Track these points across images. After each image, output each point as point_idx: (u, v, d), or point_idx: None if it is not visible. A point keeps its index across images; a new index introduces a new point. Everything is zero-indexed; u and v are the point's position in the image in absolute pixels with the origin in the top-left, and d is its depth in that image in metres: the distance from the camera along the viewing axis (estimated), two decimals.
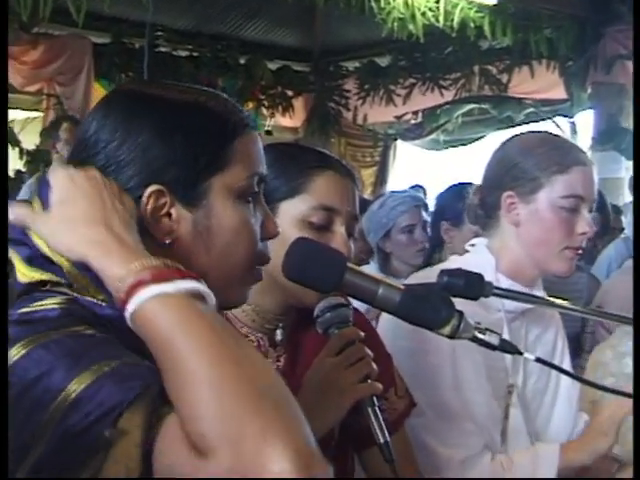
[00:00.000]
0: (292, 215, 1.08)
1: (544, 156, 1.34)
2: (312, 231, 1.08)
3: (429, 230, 2.73)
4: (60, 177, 0.70)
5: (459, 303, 0.85)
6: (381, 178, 7.72)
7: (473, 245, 1.42)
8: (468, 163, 7.29)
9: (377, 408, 0.99)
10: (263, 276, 0.82)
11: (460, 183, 2.39)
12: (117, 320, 0.65)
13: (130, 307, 0.61)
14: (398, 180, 7.48)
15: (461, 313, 0.83)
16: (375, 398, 1.00)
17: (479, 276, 0.87)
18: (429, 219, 2.75)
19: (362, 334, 1.06)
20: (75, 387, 0.59)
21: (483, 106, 6.74)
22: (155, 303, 0.61)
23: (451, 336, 0.83)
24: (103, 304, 0.69)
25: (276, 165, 1.07)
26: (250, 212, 0.79)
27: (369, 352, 1.04)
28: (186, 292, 0.62)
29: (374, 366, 1.03)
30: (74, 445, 0.57)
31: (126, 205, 0.70)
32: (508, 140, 1.41)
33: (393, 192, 2.88)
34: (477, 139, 7.24)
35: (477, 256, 1.39)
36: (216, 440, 0.54)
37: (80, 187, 0.69)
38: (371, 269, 2.73)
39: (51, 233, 0.67)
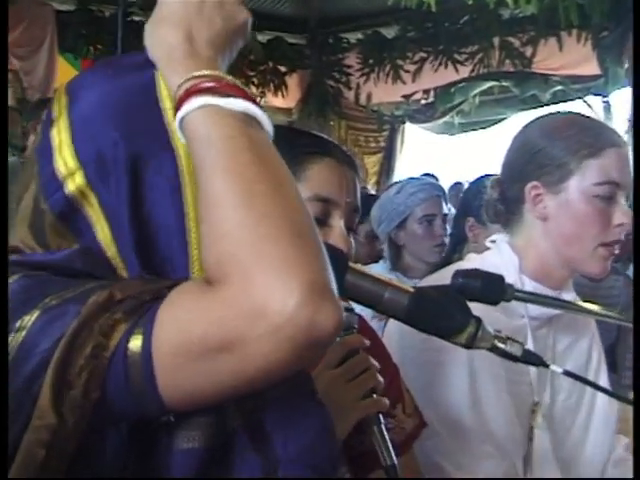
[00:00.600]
0: None
1: (573, 139, 1.34)
2: None
3: (448, 225, 2.75)
4: None
5: (477, 308, 0.86)
6: (387, 166, 7.72)
7: (493, 242, 1.43)
8: (487, 149, 7.32)
9: (383, 427, 1.00)
10: None
11: (488, 175, 2.41)
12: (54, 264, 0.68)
13: (179, 114, 0.67)
14: (407, 168, 7.48)
15: (479, 320, 0.84)
16: (381, 416, 1.01)
17: (499, 277, 0.88)
18: (448, 212, 2.78)
19: (367, 342, 1.06)
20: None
21: (504, 84, 6.73)
22: (201, 114, 0.66)
23: (467, 346, 0.83)
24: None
25: None
26: None
27: (375, 363, 1.05)
28: (239, 110, 0.67)
29: (380, 379, 1.04)
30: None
31: (232, 21, 0.75)
32: (530, 123, 1.42)
33: (412, 178, 2.93)
34: (497, 121, 7.23)
35: (498, 255, 1.40)
36: (230, 265, 0.59)
37: None
38: (379, 269, 2.75)
39: (146, 34, 0.75)
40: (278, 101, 7.49)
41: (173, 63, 0.71)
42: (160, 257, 0.69)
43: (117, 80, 0.74)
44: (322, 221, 1.10)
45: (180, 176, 0.70)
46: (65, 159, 0.71)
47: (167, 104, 0.73)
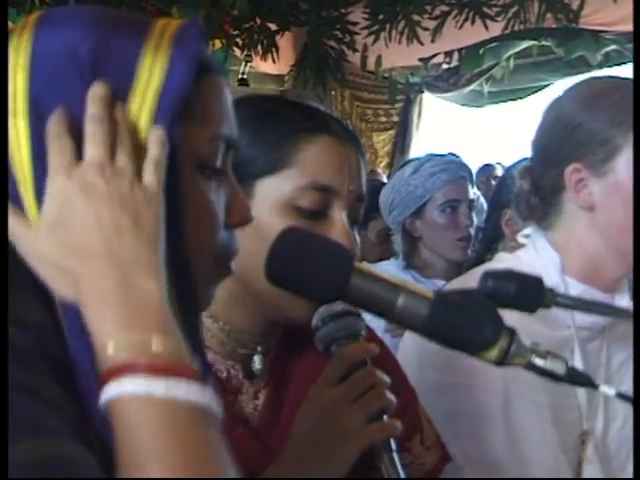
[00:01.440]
0: (273, 198, 1.10)
1: (616, 107, 1.34)
2: (301, 219, 1.09)
3: (474, 214, 2.74)
4: (57, 181, 0.71)
5: (510, 317, 0.86)
6: (400, 145, 7.74)
7: (527, 237, 1.43)
8: (524, 125, 7.31)
9: (396, 456, 1.00)
10: (233, 285, 0.83)
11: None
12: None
13: (104, 395, 0.66)
14: (425, 148, 7.49)
15: (512, 331, 0.84)
16: (394, 442, 1.01)
17: (537, 280, 0.88)
18: (476, 199, 2.78)
19: (375, 349, 1.07)
20: None
21: (545, 43, 6.73)
22: (132, 403, 0.65)
23: (499, 362, 0.84)
24: None
25: (250, 127, 1.08)
26: (210, 188, 0.80)
27: (385, 377, 1.05)
28: (181, 400, 0.66)
29: (391, 398, 1.04)
30: None
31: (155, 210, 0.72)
32: (564, 93, 1.42)
33: (432, 155, 2.89)
34: (536, 90, 7.25)
35: (534, 253, 1.40)
36: None
37: (82, 197, 0.70)
38: (390, 268, 2.74)
39: (38, 258, 0.71)
40: (267, 66, 7.45)
41: (104, 309, 0.68)
42: None
43: None
44: (320, 214, 1.11)
45: None
46: None
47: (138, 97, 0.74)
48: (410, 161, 3.00)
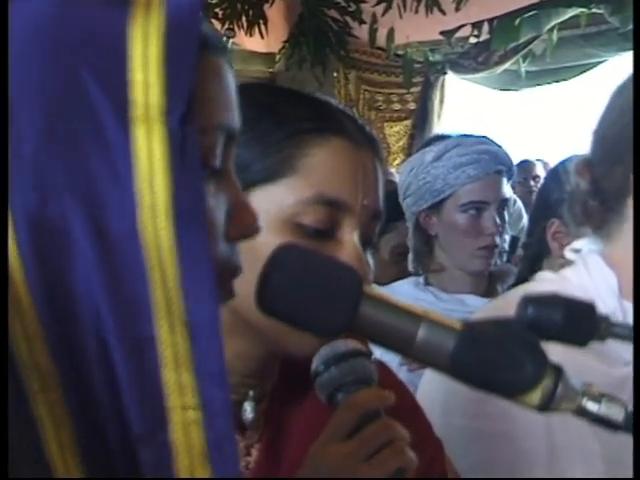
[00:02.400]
0: (270, 211, 1.11)
1: None
2: (303, 239, 1.10)
3: (507, 215, 2.72)
4: None
5: (556, 352, 0.86)
6: (419, 139, 7.71)
7: (578, 251, 1.44)
8: (572, 111, 7.31)
9: None
10: (221, 315, 0.84)
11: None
12: None
13: None
14: None
15: (558, 369, 0.84)
16: None
17: (589, 306, 0.89)
18: (510, 198, 2.74)
19: (390, 397, 1.07)
20: None
21: (596, 11, 6.74)
22: None
23: (542, 407, 0.84)
24: None
25: (243, 126, 1.09)
26: (209, 192, 0.81)
27: (404, 432, 1.06)
28: None
29: (412, 456, 1.05)
30: None
31: None
32: (634, 74, 1.42)
33: (464, 136, 2.84)
34: (586, 68, 7.25)
35: (585, 272, 1.41)
36: None
37: None
38: (405, 289, 2.74)
39: None
40: (254, 43, 7.44)
41: None
42: None
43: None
44: (327, 233, 1.11)
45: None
46: None
47: (138, 74, 0.73)
48: (435, 139, 2.93)
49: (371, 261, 1.15)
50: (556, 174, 2.57)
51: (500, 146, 2.77)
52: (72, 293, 0.72)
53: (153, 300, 0.72)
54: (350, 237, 1.12)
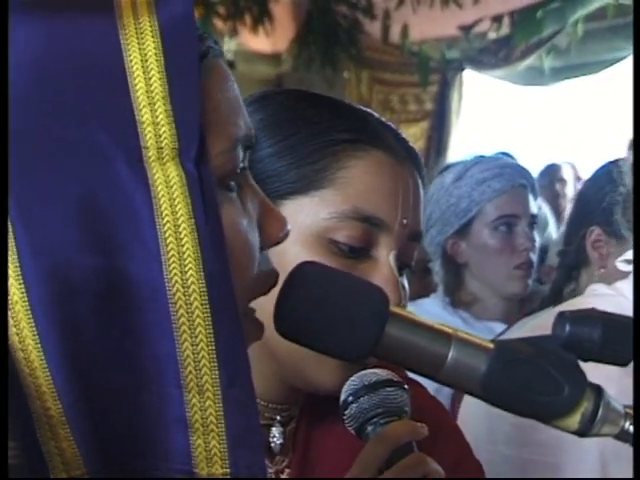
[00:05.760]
0: (302, 224, 1.11)
1: None
2: (336, 256, 1.10)
3: (537, 233, 2.73)
4: None
5: (596, 373, 0.85)
6: (437, 141, 7.73)
7: (630, 262, 1.42)
8: (604, 109, 7.28)
9: None
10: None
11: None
12: None
13: None
14: (468, 145, 7.48)
15: (599, 390, 0.83)
16: None
17: (629, 322, 0.88)
18: (539, 212, 2.76)
19: (424, 430, 1.06)
20: None
21: (623, 2, 6.72)
22: None
23: (582, 432, 0.83)
24: None
25: (275, 135, 1.09)
26: (236, 205, 0.81)
27: (436, 466, 1.04)
28: None
29: None
30: None
31: None
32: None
33: (480, 157, 2.88)
34: (613, 62, 7.23)
35: (631, 287, 1.39)
36: None
37: None
38: (430, 308, 2.74)
39: None
40: (259, 42, 7.46)
41: None
42: None
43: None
44: (361, 252, 1.11)
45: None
46: None
47: (145, 114, 0.72)
48: (451, 165, 2.99)
49: (407, 285, 1.14)
50: (599, 179, 2.56)
51: (517, 160, 2.81)
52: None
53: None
54: (386, 257, 1.11)
